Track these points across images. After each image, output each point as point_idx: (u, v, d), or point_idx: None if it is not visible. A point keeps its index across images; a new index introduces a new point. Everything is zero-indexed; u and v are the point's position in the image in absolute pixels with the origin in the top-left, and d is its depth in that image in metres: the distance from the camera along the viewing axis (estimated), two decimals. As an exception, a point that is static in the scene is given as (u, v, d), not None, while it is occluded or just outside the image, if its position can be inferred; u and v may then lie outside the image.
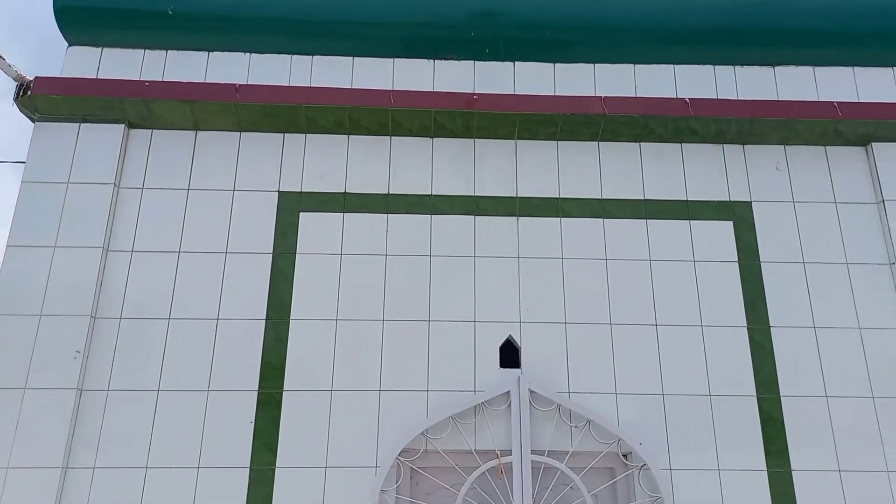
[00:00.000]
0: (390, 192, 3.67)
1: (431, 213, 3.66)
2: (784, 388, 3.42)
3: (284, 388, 3.27)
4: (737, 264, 3.67)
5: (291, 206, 3.59)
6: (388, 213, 3.63)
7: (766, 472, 3.26)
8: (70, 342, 3.22)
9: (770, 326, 3.56)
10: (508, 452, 3.21)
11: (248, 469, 3.12)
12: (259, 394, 3.25)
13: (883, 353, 3.49)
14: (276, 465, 3.14)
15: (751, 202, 3.80)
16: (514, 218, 3.69)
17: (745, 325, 3.55)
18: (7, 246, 3.37)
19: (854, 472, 3.28)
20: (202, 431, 3.18)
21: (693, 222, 3.74)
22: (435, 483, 3.22)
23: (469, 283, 3.54)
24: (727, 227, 3.75)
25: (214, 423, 3.19)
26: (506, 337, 3.47)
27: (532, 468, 3.17)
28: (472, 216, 3.68)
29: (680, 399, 3.37)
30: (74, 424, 3.13)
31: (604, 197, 3.76)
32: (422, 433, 3.21)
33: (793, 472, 3.27)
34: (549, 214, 3.71)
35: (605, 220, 3.71)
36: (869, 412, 3.39)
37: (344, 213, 3.61)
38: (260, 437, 3.17)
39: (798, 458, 3.29)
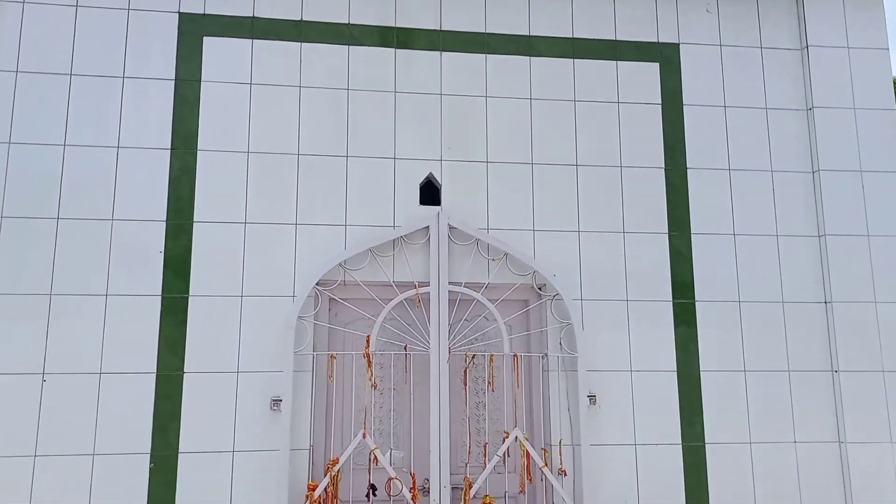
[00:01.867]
0: (303, 20, 3.45)
1: (349, 44, 3.48)
2: (695, 227, 3.55)
3: (195, 220, 3.16)
4: (660, 107, 3.68)
5: (194, 29, 3.34)
6: (301, 41, 3.43)
7: (671, 304, 3.45)
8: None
9: (687, 168, 3.64)
10: (426, 283, 3.27)
11: (160, 297, 3.08)
12: (167, 225, 3.16)
13: (791, 193, 3.64)
14: (189, 293, 3.10)
15: (679, 44, 3.76)
16: (438, 53, 3.55)
17: (663, 166, 3.62)
18: None
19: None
20: (108, 263, 3.07)
21: (620, 63, 3.70)
22: (354, 313, 3.28)
23: (389, 119, 3.44)
24: (653, 68, 3.73)
25: (121, 253, 3.09)
26: (426, 175, 3.45)
27: (449, 300, 3.26)
28: (393, 49, 3.52)
29: (594, 236, 3.46)
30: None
31: (532, 34, 3.64)
32: (339, 264, 3.22)
33: (696, 303, 3.46)
34: (475, 50, 3.59)
35: (532, 58, 3.62)
36: (771, 252, 3.58)
37: (252, 39, 3.39)
38: (170, 266, 3.12)
39: (702, 292, 3.49)
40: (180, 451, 2.94)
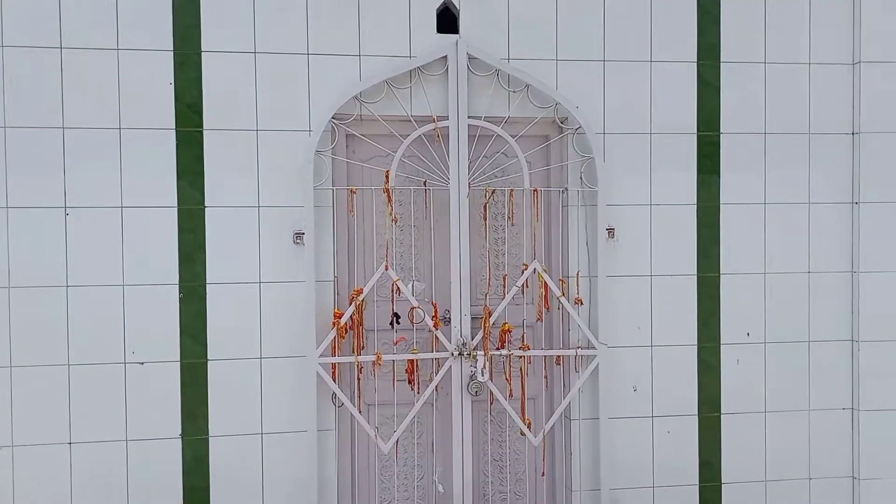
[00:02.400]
0: None
1: None
2: (725, 55, 3.37)
3: (202, 50, 2.99)
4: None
5: None
6: None
7: (696, 136, 3.35)
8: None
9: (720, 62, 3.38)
10: (445, 118, 3.17)
11: (173, 130, 3.00)
12: (175, 55, 2.98)
13: (826, 15, 3.41)
14: (203, 127, 2.99)
15: None
16: None
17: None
18: None
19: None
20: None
21: None
22: (371, 149, 3.21)
23: (403, -64, 3.16)
24: None
25: (130, 83, 2.97)
26: (443, 0, 3.22)
27: (468, 135, 3.17)
28: None
29: (620, 65, 3.29)
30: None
31: None
32: (355, 97, 3.09)
33: (721, 136, 3.37)
34: None
35: None
36: (802, 81, 3.42)
37: None
38: (181, 100, 2.99)
39: (728, 124, 3.39)
40: (208, 282, 3.01)
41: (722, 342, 3.34)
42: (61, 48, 2.93)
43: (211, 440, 2.99)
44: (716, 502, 3.31)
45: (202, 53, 3.03)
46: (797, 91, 3.40)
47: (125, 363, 2.94)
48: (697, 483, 3.30)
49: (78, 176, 2.93)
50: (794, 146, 3.40)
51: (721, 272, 3.36)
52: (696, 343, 3.32)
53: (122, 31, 2.97)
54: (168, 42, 3.00)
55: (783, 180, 3.40)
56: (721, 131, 3.37)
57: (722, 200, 3.37)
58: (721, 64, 3.36)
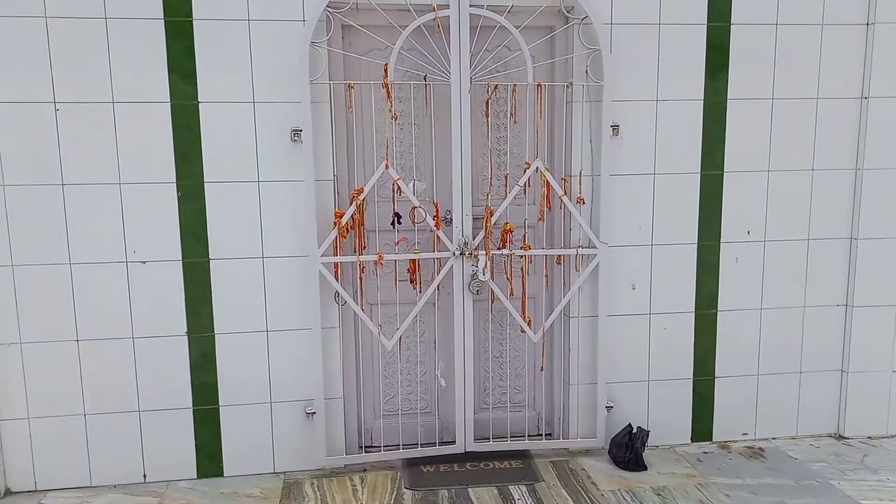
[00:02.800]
0: None
1: None
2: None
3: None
4: None
5: None
6: None
7: (705, 27, 3.21)
8: None
9: None
10: (446, 6, 3.01)
11: (162, 21, 2.85)
12: None
13: None
14: (193, 16, 2.85)
15: None
16: None
17: None
18: None
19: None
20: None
21: None
22: (369, 41, 3.06)
23: None
24: None
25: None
26: None
27: (470, 26, 3.02)
28: None
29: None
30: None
31: None
32: (351, -16, 2.93)
33: (731, 27, 3.23)
34: None
35: None
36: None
37: None
38: None
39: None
40: (206, 180, 2.95)
41: (722, 241, 3.34)
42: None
43: (217, 337, 3.02)
44: (709, 395, 3.42)
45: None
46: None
47: (126, 262, 2.93)
48: (692, 377, 3.40)
49: (67, 71, 2.80)
50: (806, 38, 3.27)
51: (725, 170, 3.31)
52: (696, 242, 3.32)
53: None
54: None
55: (792, 75, 3.29)
56: (732, 22, 3.23)
57: (730, 96, 3.28)
58: (735, -50, 3.18)
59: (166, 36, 2.86)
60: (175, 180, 2.94)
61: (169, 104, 2.90)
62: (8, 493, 2.94)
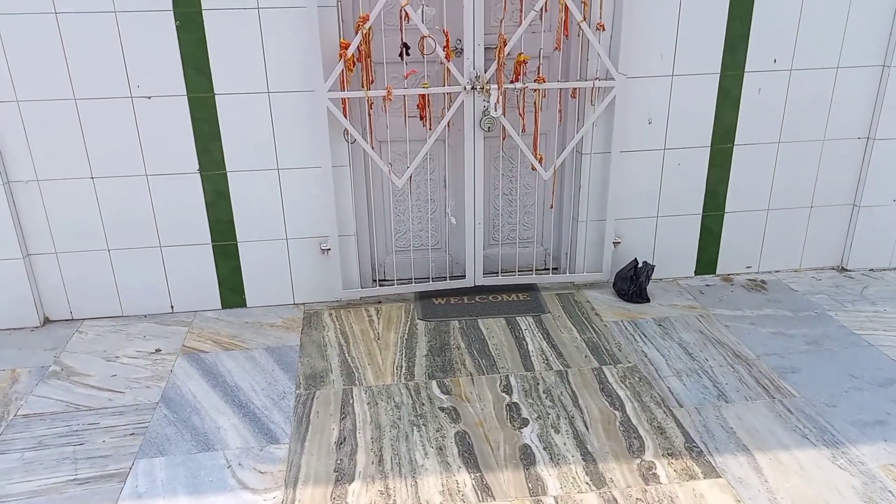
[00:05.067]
0: None
1: None
2: None
3: None
4: None
5: None
6: None
7: None
8: None
9: None
10: None
11: None
12: None
13: None
14: None
15: None
16: None
17: None
18: None
19: None
20: None
21: None
22: None
23: None
24: None
25: None
26: None
27: None
28: None
29: None
30: None
31: None
32: None
33: None
34: None
35: None
36: None
37: None
38: None
39: None
40: (203, 7, 2.72)
41: (746, 70, 3.11)
42: None
43: (229, 175, 2.96)
44: (716, 230, 3.39)
45: None
46: None
47: (132, 97, 2.80)
48: (701, 213, 3.34)
49: None
50: None
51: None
52: (718, 72, 3.09)
53: None
54: None
55: None
56: None
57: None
58: None
59: None
60: (171, 8, 2.72)
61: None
62: (47, 321, 3.08)
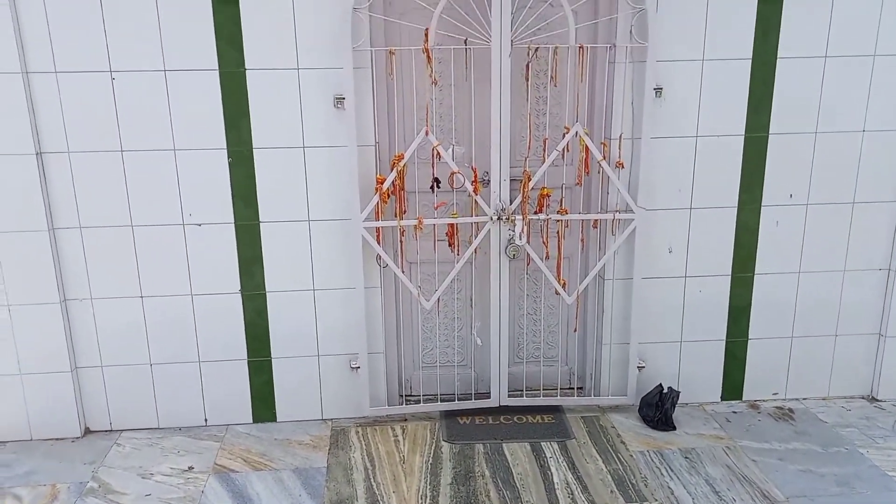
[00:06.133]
0: None
1: None
2: None
3: None
4: None
5: None
6: None
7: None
8: None
9: None
10: (486, -33, 2.88)
11: (206, -10, 2.83)
12: None
13: None
14: (236, -15, 2.83)
15: None
16: None
17: None
18: None
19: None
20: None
21: None
22: (409, 2, 2.98)
23: None
24: None
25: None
26: None
27: (511, -15, 2.89)
28: None
29: None
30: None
31: None
32: (391, -54, 2.82)
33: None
34: None
35: None
36: None
37: None
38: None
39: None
40: (254, 146, 2.98)
41: (763, 204, 3.21)
42: None
43: (268, 295, 3.12)
44: (741, 355, 3.38)
45: None
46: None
47: (184, 224, 3.02)
48: (725, 338, 3.36)
49: (120, 40, 2.82)
50: (867, -6, 3.02)
51: (770, 132, 3.15)
52: (736, 205, 3.20)
53: None
54: None
55: (849, 28, 3.05)
56: (787, -23, 2.99)
57: (780, 55, 3.08)
58: None
59: (213, 4, 2.83)
60: (225, 146, 2.97)
61: (217, 72, 2.90)
62: (87, 431, 3.18)
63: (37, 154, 2.87)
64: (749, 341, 3.37)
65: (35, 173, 2.87)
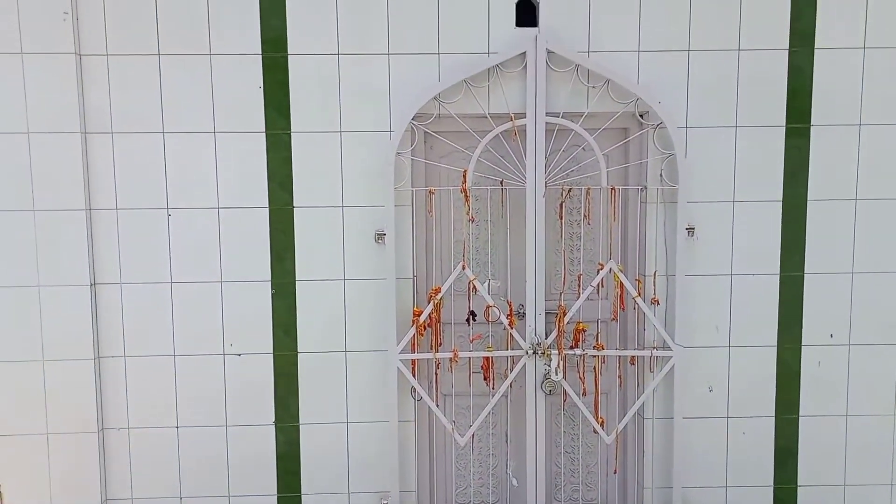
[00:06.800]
0: None
1: None
2: (820, 41, 3.09)
3: (289, 52, 3.00)
4: None
5: None
6: None
7: (784, 129, 3.11)
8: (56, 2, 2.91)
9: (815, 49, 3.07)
10: (523, 115, 3.06)
11: (263, 133, 3.04)
12: (264, 57, 3.01)
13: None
14: (291, 129, 3.04)
15: None
16: None
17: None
18: None
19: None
20: (211, 95, 3.00)
21: None
22: (449, 146, 3.14)
23: (482, -71, 3.01)
24: None
25: (222, 87, 2.99)
26: (522, -8, 3.07)
27: (546, 130, 3.05)
28: None
29: (707, 55, 3.08)
30: (82, 96, 2.97)
31: None
32: (434, 97, 3.01)
33: (811, 128, 3.11)
34: None
35: None
36: None
37: None
38: (271, 104, 3.02)
39: (819, 116, 3.11)
40: (297, 278, 3.08)
41: (803, 343, 3.15)
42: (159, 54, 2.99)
43: (301, 427, 3.10)
44: (790, 503, 3.20)
45: (288, 56, 3.01)
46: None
47: (224, 354, 3.06)
48: (772, 484, 3.18)
49: (176, 182, 3.02)
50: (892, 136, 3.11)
51: (805, 272, 3.15)
52: (775, 344, 3.15)
53: (213, 41, 2.99)
54: (257, 46, 3.00)
55: (875, 174, 3.12)
56: (812, 123, 3.11)
57: (809, 197, 3.14)
58: (815, 51, 3.08)
59: (267, 148, 3.03)
60: (270, 278, 3.07)
61: (267, 209, 3.05)
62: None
63: (91, 285, 3.00)
64: (798, 488, 3.19)
65: (88, 303, 2.99)
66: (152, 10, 2.96)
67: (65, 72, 2.92)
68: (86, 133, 2.99)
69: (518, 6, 3.06)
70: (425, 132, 3.09)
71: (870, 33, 3.07)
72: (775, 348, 3.15)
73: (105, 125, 2.99)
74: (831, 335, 3.15)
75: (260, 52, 3.00)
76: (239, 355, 3.06)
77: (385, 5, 3.00)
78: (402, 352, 3.03)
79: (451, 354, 3.06)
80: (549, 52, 3.00)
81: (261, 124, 3.03)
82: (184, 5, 2.96)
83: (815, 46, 3.08)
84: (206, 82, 2.99)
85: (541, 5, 3.03)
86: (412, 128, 3.04)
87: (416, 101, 2.99)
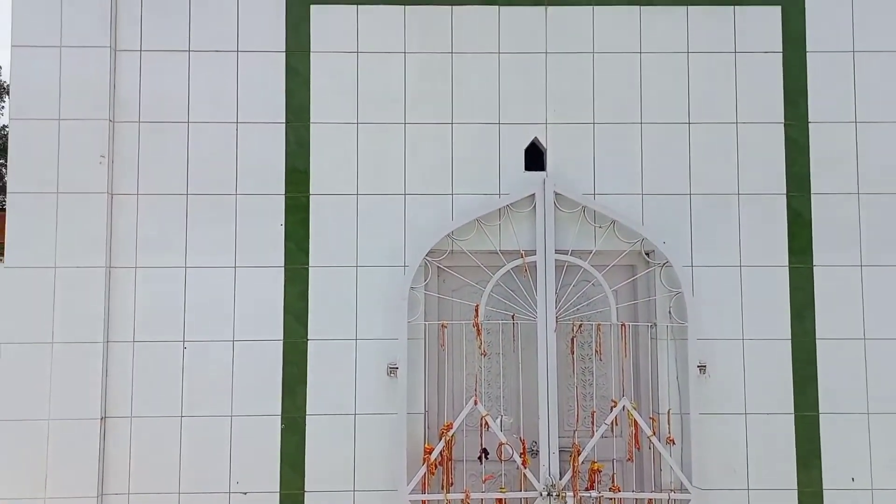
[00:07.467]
0: (403, -18, 3.24)
1: (451, 4, 3.26)
2: (816, 187, 3.23)
3: (311, 192, 3.16)
4: (780, 55, 3.30)
5: (301, -1, 3.22)
6: (404, 4, 3.24)
7: (787, 269, 3.19)
8: (94, 146, 3.10)
9: (809, 122, 3.29)
10: (533, 252, 3.15)
11: (282, 268, 3.12)
12: (287, 198, 3.16)
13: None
14: (309, 264, 3.12)
15: (805, -6, 3.31)
16: (542, 8, 3.28)
17: (783, 121, 3.28)
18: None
19: (876, 267, 3.22)
20: (235, 233, 3.12)
21: (737, 8, 3.30)
22: (461, 281, 3.22)
23: (493, 82, 3.25)
24: (774, 13, 3.32)
25: (245, 225, 3.12)
26: (531, 139, 3.26)
27: (555, 266, 3.14)
28: (496, 6, 3.27)
29: (707, 199, 3.22)
30: (110, 231, 3.09)
31: (642, -19, 3.29)
32: (448, 235, 3.13)
33: (814, 268, 3.20)
34: (580, 2, 3.29)
35: (642, 7, 3.29)
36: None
37: (358, 5, 3.23)
38: (291, 239, 3.13)
39: (821, 255, 3.21)
40: (308, 413, 3.05)
41: (825, 487, 3.05)
42: (187, 195, 3.14)
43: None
44: None
45: (311, 196, 3.16)
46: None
47: (229, 492, 2.98)
48: None
49: (194, 314, 3.07)
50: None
51: (820, 411, 3.11)
52: (796, 488, 3.05)
53: (240, 180, 3.16)
54: (281, 187, 3.16)
55: (881, 312, 3.16)
56: (815, 263, 3.19)
57: (818, 335, 3.16)
58: (812, 196, 3.23)
59: (284, 281, 3.10)
60: (280, 413, 3.04)
61: (282, 342, 3.08)
62: None
63: (101, 419, 2.97)
64: None
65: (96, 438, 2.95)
66: (183, 155, 3.14)
67: (94, 206, 3.05)
68: (110, 268, 3.08)
69: (527, 152, 3.24)
70: (438, 267, 3.18)
71: (863, 181, 3.22)
72: (796, 492, 3.05)
73: (130, 258, 3.08)
74: (853, 479, 3.06)
75: (283, 193, 3.14)
76: (244, 493, 2.97)
77: (402, 149, 3.18)
78: (413, 492, 2.94)
79: (462, 495, 2.96)
80: (556, 194, 3.15)
81: (280, 259, 3.12)
82: (209, 149, 3.13)
83: (812, 192, 3.22)
84: (231, 220, 3.12)
85: (548, 151, 3.21)
86: (426, 263, 3.13)
87: (430, 238, 3.10)
